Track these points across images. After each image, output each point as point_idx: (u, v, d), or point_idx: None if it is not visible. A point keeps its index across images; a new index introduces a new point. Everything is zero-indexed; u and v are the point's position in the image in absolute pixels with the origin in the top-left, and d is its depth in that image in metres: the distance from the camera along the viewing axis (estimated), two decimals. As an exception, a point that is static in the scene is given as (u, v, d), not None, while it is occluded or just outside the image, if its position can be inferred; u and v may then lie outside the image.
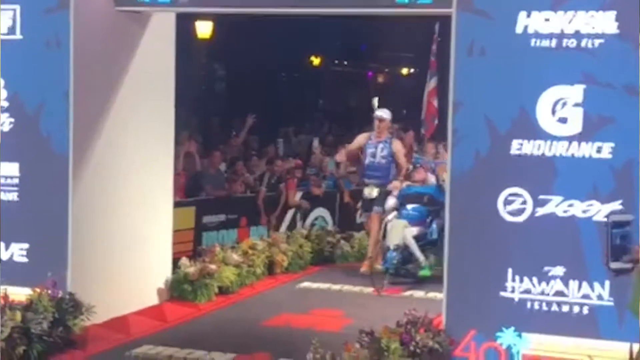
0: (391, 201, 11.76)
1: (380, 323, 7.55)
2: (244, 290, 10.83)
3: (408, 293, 10.89)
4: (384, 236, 11.53)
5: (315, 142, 17.57)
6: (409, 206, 11.63)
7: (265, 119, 19.79)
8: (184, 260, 10.38)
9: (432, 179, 12.07)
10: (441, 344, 7.20)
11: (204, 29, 18.83)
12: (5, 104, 8.87)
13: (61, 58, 8.70)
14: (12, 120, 8.83)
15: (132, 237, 9.54)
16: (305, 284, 11.47)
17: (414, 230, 11.39)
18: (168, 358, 8.13)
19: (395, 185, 11.89)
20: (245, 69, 22.85)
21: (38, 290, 8.35)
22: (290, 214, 14.15)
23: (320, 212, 14.66)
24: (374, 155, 11.93)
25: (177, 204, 10.82)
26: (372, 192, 11.87)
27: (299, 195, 14.34)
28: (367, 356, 6.88)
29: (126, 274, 9.44)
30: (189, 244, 11.72)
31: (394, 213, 11.58)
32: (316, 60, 28.51)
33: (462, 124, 7.45)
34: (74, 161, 8.75)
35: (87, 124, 8.96)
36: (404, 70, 31.05)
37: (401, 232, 11.30)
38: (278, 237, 12.42)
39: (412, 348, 7.10)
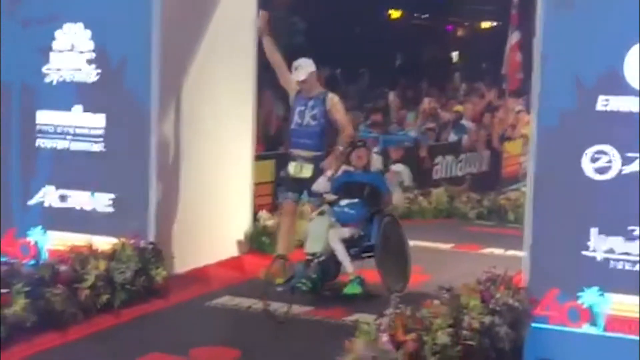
0: (321, 184, 8.70)
1: (459, 280, 7.52)
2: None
3: (487, 250, 10.80)
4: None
5: (391, 96, 17.46)
6: (344, 201, 8.63)
7: (343, 73, 19.79)
8: (263, 213, 10.45)
9: (377, 162, 9.36)
10: (522, 302, 7.14)
11: (283, -18, 18.79)
12: (91, 55, 8.98)
13: (145, 9, 8.76)
14: (99, 71, 8.95)
15: (213, 189, 9.62)
16: (383, 240, 11.43)
17: (344, 231, 8.51)
18: (247, 309, 8.23)
19: (331, 163, 8.71)
20: (324, 23, 22.77)
21: (122, 240, 8.50)
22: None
23: (398, 167, 14.57)
24: (302, 115, 8.86)
25: (257, 157, 10.88)
26: (300, 169, 8.84)
27: (376, 151, 14.28)
28: (446, 313, 6.85)
29: (207, 226, 9.54)
30: (268, 197, 11.78)
31: (319, 209, 8.72)
32: (395, 14, 28.28)
33: (548, 78, 7.31)
34: (160, 109, 8.85)
35: (170, 77, 9.02)
36: (485, 24, 30.62)
37: (323, 233, 8.44)
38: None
39: (491, 306, 7.03)
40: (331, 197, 8.64)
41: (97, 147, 8.97)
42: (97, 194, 8.98)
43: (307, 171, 8.79)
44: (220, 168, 9.76)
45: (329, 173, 8.67)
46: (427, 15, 30.29)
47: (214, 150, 9.63)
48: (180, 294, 8.61)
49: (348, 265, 8.48)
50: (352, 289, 8.38)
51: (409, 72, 23.93)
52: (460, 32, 31.88)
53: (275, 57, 9.06)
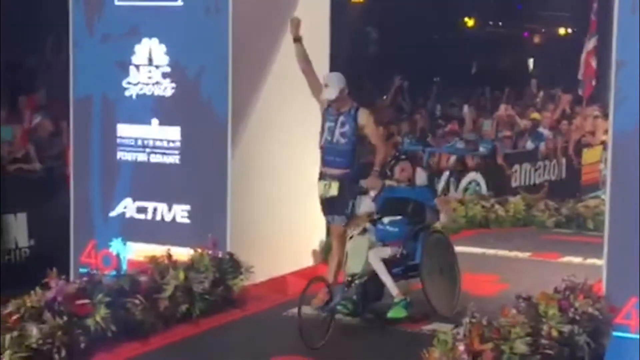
0: (366, 205, 8.46)
1: (536, 289, 7.45)
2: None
3: (566, 259, 10.66)
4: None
5: (465, 108, 17.36)
6: (386, 219, 8.22)
7: (418, 82, 19.74)
8: (342, 226, 10.46)
9: (422, 176, 8.87)
10: (601, 311, 7.04)
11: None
12: (167, 69, 9.13)
13: (220, 23, 8.88)
14: (174, 85, 9.09)
15: (289, 199, 9.68)
16: (459, 249, 11.27)
17: (386, 251, 8.03)
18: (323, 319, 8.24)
19: (373, 183, 8.30)
20: (398, 32, 22.75)
21: (199, 250, 8.60)
22: (443, 178, 14.07)
23: (474, 176, 14.51)
24: (331, 132, 8.34)
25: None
26: (328, 188, 8.31)
27: (452, 160, 14.24)
28: (524, 321, 6.79)
29: (283, 236, 9.59)
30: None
31: (361, 227, 8.25)
32: (470, 22, 28.13)
33: (625, 83, 7.21)
34: (233, 124, 8.94)
35: (246, 88, 9.12)
36: (561, 30, 30.27)
37: (363, 253, 7.96)
38: (431, 201, 12.32)
39: (570, 314, 6.96)
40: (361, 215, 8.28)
41: (174, 159, 9.10)
42: (175, 205, 9.11)
43: (333, 189, 8.27)
44: (295, 178, 9.80)
45: (372, 193, 8.32)
46: (502, 23, 30.05)
47: (290, 160, 9.69)
48: (257, 304, 8.67)
49: (391, 286, 7.90)
50: (397, 313, 7.83)
51: (484, 80, 23.76)
52: (536, 39, 31.53)
53: (305, 66, 8.52)
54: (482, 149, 9.35)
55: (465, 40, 27.26)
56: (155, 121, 9.17)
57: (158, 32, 9.10)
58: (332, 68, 10.35)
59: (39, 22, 13.45)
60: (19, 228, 10.58)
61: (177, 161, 9.10)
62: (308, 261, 10.11)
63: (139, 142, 9.24)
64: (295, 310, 8.37)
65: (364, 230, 8.14)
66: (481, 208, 12.87)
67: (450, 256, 8.53)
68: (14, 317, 7.01)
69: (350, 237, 8.12)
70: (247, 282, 8.76)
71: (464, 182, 14.38)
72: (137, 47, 9.20)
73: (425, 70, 21.47)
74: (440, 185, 13.95)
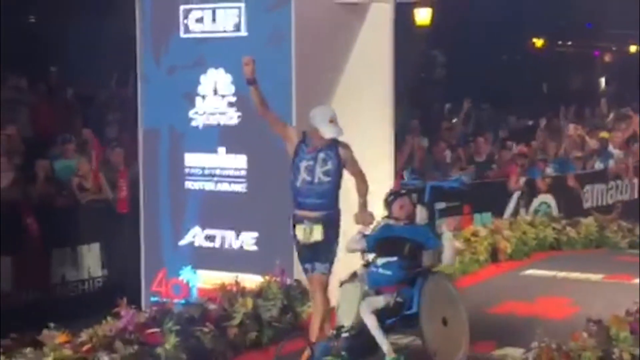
0: (355, 243, 7.55)
1: (609, 311, 7.34)
2: (467, 277, 10.77)
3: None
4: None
5: (538, 132, 17.18)
6: (380, 261, 7.33)
7: (487, 104, 19.66)
8: (407, 249, 10.44)
9: (423, 214, 7.58)
10: (675, 333, 6.91)
11: (423, 16, 18.87)
12: (233, 98, 9.24)
13: (284, 52, 8.97)
14: (239, 114, 9.19)
15: (355, 227, 9.67)
16: (530, 272, 11.27)
17: (379, 300, 7.07)
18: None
19: (363, 218, 7.47)
20: (465, 54, 22.69)
21: (267, 277, 8.65)
22: (513, 200, 13.95)
23: (545, 197, 14.36)
24: (311, 172, 7.31)
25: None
26: (310, 233, 7.31)
27: (522, 182, 14.12)
28: (594, 345, 6.69)
29: (351, 262, 9.58)
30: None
31: (351, 273, 7.35)
32: (539, 42, 27.91)
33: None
34: (298, 153, 8.99)
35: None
36: (632, 48, 29.86)
37: (354, 303, 7.03)
38: (501, 223, 12.25)
39: (643, 337, 6.85)
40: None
41: (241, 187, 9.19)
42: (242, 233, 9.19)
43: (317, 233, 7.28)
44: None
45: (361, 229, 7.53)
46: (571, 42, 29.77)
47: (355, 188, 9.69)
48: (325, 331, 8.65)
49: (383, 343, 6.92)
50: None
51: (553, 101, 23.54)
52: (607, 58, 31.15)
53: (263, 109, 7.69)
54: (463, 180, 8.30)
55: (534, 61, 27.05)
56: (222, 150, 9.29)
57: (223, 62, 9.22)
58: (397, 92, 10.38)
59: (108, 56, 13.74)
60: (92, 258, 10.76)
61: (244, 189, 9.19)
62: (377, 287, 10.08)
63: (206, 171, 9.36)
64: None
65: (355, 275, 7.26)
66: (552, 230, 12.73)
67: (453, 303, 7.45)
68: (86, 346, 7.12)
69: (341, 284, 7.23)
70: (315, 309, 8.76)
71: (534, 204, 14.24)
72: (202, 78, 9.34)
73: (493, 92, 21.35)
74: (510, 207, 13.84)
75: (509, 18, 21.23)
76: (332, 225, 7.32)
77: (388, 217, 7.52)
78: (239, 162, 9.19)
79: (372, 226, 7.57)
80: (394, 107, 10.35)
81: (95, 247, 10.79)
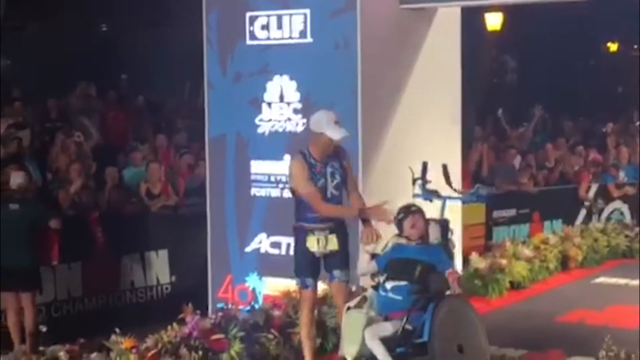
0: (366, 264, 6.95)
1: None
2: (536, 285, 10.62)
3: None
4: None
5: (611, 137, 16.83)
6: (389, 284, 6.65)
7: (558, 109, 19.37)
8: (474, 256, 10.34)
9: (435, 232, 7.02)
10: None
11: (493, 21, 18.68)
12: (299, 105, 9.24)
13: (349, 58, 8.94)
14: (305, 120, 9.19)
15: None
16: (601, 279, 11.06)
17: (386, 327, 6.46)
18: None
19: (368, 236, 6.91)
20: (537, 59, 22.39)
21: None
22: (584, 207, 13.73)
23: (617, 205, 14.09)
24: (323, 189, 7.05)
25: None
26: (326, 242, 7.00)
27: (593, 189, 13.88)
28: (665, 355, 6.53)
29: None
30: (480, 239, 11.67)
31: (361, 296, 6.86)
32: (613, 47, 27.44)
33: None
34: (363, 158, 8.96)
35: (376, 122, 9.14)
36: None
37: (359, 331, 6.44)
38: (571, 231, 12.06)
39: None
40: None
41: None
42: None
43: (332, 243, 6.99)
44: (428, 211, 9.72)
45: (369, 248, 6.92)
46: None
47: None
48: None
49: None
50: None
51: (628, 106, 23.10)
52: (684, 61, 30.50)
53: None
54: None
55: (608, 65, 26.59)
56: (287, 157, 9.27)
57: (289, 69, 9.23)
58: (466, 98, 10.28)
59: (177, 64, 13.89)
60: (160, 265, 10.85)
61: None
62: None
63: (272, 178, 9.37)
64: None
65: (364, 299, 6.69)
66: (625, 237, 12.50)
67: (473, 328, 6.75)
68: (152, 352, 7.18)
69: (347, 309, 6.69)
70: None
71: (606, 211, 13.98)
72: (268, 85, 9.36)
73: (565, 97, 21.04)
74: (581, 214, 13.62)
75: (582, 22, 20.90)
76: (343, 233, 7.11)
77: (399, 235, 6.90)
78: (304, 169, 9.17)
79: (381, 245, 6.97)
80: (461, 113, 10.25)
81: (164, 253, 10.86)
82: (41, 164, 10.98)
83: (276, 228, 9.33)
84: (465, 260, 10.28)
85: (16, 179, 8.98)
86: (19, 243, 8.64)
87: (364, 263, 6.92)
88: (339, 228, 7.05)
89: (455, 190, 7.39)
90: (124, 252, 10.38)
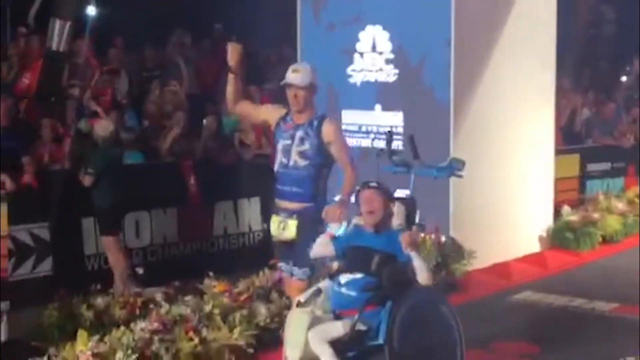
0: (321, 248, 5.77)
1: None
2: (630, 239, 10.49)
3: None
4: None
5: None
6: (344, 277, 5.53)
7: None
8: (566, 208, 10.27)
9: (400, 214, 5.92)
10: None
11: (590, -29, 18.27)
12: (391, 55, 9.24)
13: (443, 8, 8.88)
14: (397, 71, 9.18)
15: (512, 184, 9.57)
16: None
17: (334, 328, 5.36)
18: (549, 305, 8.13)
19: (332, 214, 5.74)
20: (635, 9, 21.78)
21: (422, 234, 8.64)
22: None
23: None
24: (287, 153, 6.04)
25: (560, 152, 10.69)
26: (283, 228, 5.99)
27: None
28: None
29: (507, 221, 9.50)
30: (573, 192, 11.54)
31: (313, 288, 5.68)
32: None
33: None
34: (455, 110, 8.94)
35: (469, 73, 9.09)
36: None
37: (301, 333, 5.39)
38: (668, 185, 11.86)
39: None
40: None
41: (397, 145, 9.17)
42: (397, 190, 9.19)
43: (290, 230, 5.96)
44: (520, 164, 9.68)
45: (333, 228, 5.81)
46: None
47: (514, 145, 9.57)
48: (480, 289, 8.65)
49: None
50: None
51: None
52: None
53: (237, 106, 6.41)
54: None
55: None
56: (378, 107, 9.32)
57: (382, 19, 9.22)
58: (562, 50, 10.12)
59: (271, 13, 13.89)
60: (252, 212, 10.99)
61: (400, 147, 9.18)
62: (534, 247, 9.97)
63: (363, 128, 9.41)
64: (519, 296, 8.31)
65: (319, 292, 5.64)
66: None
67: (443, 326, 5.63)
68: (244, 296, 7.34)
69: (298, 304, 5.63)
70: (469, 267, 8.74)
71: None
72: (361, 35, 9.37)
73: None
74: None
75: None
76: (310, 222, 5.88)
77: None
78: (395, 119, 9.20)
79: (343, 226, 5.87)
80: (555, 65, 10.11)
81: (256, 201, 11.00)
82: (138, 112, 11.18)
83: (367, 178, 9.36)
84: (557, 212, 10.21)
85: (98, 130, 8.97)
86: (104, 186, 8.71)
87: (320, 243, 5.74)
88: (306, 214, 5.91)
89: (423, 162, 6.42)
90: (217, 199, 10.55)
